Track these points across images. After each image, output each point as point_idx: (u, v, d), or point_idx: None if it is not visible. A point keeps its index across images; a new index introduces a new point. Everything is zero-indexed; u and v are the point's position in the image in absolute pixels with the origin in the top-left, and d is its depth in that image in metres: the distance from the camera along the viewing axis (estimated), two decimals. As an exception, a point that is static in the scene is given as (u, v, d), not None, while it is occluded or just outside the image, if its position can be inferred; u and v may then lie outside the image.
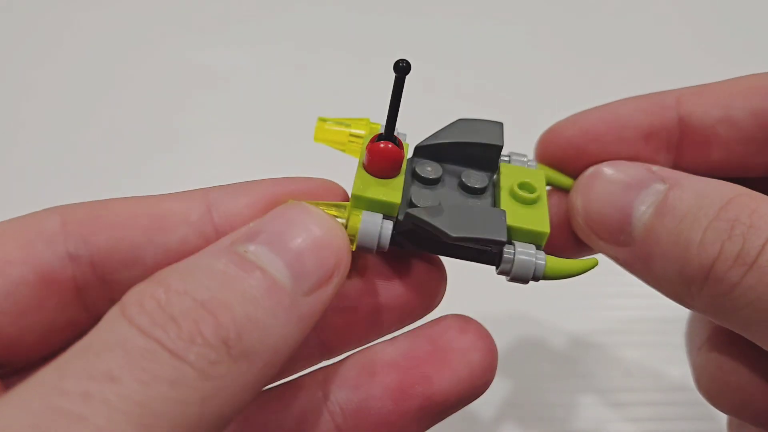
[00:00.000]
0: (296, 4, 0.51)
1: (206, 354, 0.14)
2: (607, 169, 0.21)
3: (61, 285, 0.17)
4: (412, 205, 0.19)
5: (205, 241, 0.18)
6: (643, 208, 0.19)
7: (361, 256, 0.20)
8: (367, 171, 0.19)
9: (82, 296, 0.18)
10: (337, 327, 0.20)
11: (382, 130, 0.19)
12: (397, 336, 0.20)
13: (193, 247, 0.18)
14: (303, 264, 0.16)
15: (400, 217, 0.19)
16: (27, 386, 0.13)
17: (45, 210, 0.18)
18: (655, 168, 0.20)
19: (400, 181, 0.19)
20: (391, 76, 0.17)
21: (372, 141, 0.19)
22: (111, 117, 0.44)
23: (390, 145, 0.19)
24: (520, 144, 0.24)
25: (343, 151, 0.21)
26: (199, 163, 0.41)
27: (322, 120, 0.21)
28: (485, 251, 0.19)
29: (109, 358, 0.13)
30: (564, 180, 0.23)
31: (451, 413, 0.19)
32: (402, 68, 0.17)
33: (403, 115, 0.19)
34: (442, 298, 0.20)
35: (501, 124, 0.21)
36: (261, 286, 0.15)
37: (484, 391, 0.19)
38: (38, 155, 0.41)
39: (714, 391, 0.22)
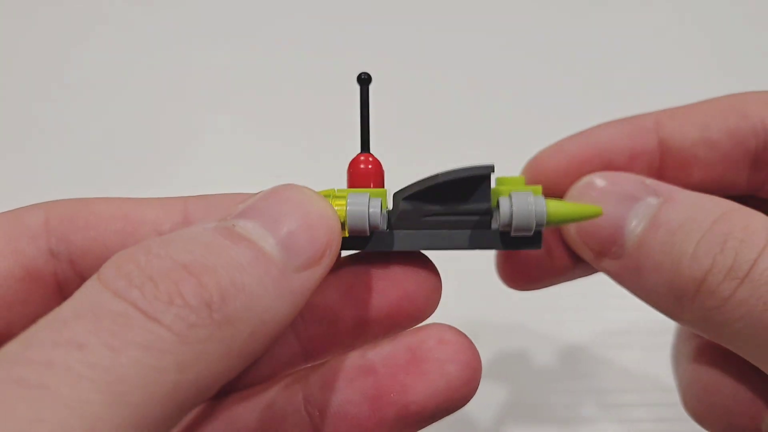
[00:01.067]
0: (302, 7, 0.51)
1: (185, 316, 0.13)
2: (601, 181, 0.21)
3: (44, 280, 0.18)
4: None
5: None
6: (635, 221, 0.19)
7: (346, 264, 0.20)
8: (350, 185, 0.19)
9: (63, 292, 0.18)
10: (319, 337, 0.20)
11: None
12: (380, 341, 0.19)
13: None
14: (294, 240, 0.15)
15: (390, 207, 0.19)
16: None
17: (30, 206, 0.18)
18: (647, 181, 0.20)
19: (383, 191, 0.19)
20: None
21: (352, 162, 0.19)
22: (115, 118, 0.44)
23: (369, 157, 0.19)
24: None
25: None
26: (199, 164, 0.42)
27: None
28: (484, 219, 0.18)
29: (77, 325, 0.12)
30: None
31: (430, 423, 0.19)
32: (364, 80, 0.18)
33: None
34: (434, 309, 0.20)
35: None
36: (248, 255, 0.14)
37: (463, 404, 0.19)
38: (41, 157, 0.41)
39: (700, 412, 0.23)
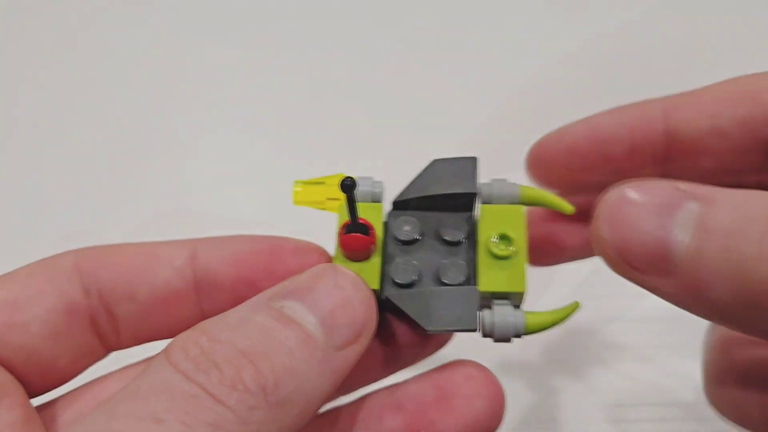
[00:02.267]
0: (302, 7, 0.51)
1: (246, 400, 0.15)
2: (632, 193, 0.18)
3: (81, 314, 0.20)
4: (391, 280, 0.20)
5: (185, 283, 0.20)
6: (681, 231, 0.17)
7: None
8: (343, 254, 0.20)
9: (95, 326, 0.20)
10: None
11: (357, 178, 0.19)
12: (407, 380, 0.20)
13: (174, 287, 0.20)
14: (335, 321, 0.17)
15: (383, 296, 0.20)
16: (76, 428, 0.14)
17: (61, 253, 0.20)
18: (682, 185, 0.18)
19: (377, 257, 0.20)
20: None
21: (341, 231, 0.20)
22: (113, 118, 0.44)
23: (358, 237, 0.19)
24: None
25: (323, 209, 0.21)
26: (198, 166, 0.42)
27: (297, 183, 0.21)
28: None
29: (156, 401, 0.14)
30: (555, 201, 0.22)
31: None
32: (347, 186, 0.18)
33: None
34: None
35: (474, 161, 0.21)
36: (297, 338, 0.16)
37: None
38: (34, 156, 0.41)
39: (717, 398, 0.23)
